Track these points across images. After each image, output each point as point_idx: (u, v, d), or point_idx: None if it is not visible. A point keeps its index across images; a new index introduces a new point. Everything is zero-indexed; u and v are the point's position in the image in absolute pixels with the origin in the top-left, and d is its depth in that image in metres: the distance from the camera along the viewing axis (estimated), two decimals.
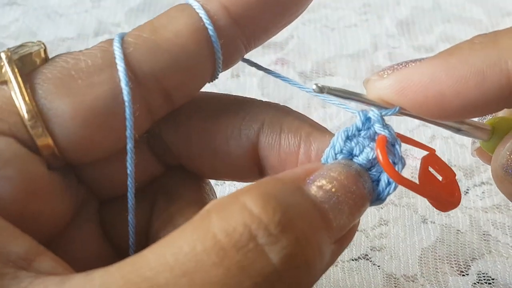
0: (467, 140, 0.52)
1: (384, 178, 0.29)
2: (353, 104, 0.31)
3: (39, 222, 0.28)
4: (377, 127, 0.29)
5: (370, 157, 0.29)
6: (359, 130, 0.30)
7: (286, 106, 0.33)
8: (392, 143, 0.30)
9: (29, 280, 0.24)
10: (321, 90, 0.28)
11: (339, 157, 0.30)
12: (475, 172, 0.50)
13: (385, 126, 0.30)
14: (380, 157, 0.29)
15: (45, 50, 0.30)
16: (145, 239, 0.33)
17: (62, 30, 0.65)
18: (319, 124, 0.32)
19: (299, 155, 0.31)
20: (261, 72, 0.36)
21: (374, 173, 0.30)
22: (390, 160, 0.29)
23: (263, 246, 0.23)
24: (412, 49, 0.62)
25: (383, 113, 0.30)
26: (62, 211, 0.30)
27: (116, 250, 0.33)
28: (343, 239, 0.27)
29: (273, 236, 0.23)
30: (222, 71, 0.32)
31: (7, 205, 0.27)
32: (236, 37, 0.31)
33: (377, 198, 0.29)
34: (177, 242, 0.23)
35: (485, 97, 0.28)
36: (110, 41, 0.30)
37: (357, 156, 0.30)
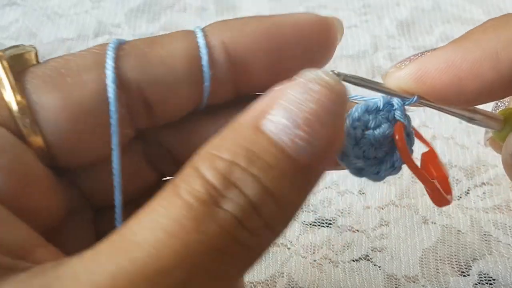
0: (467, 141, 0.52)
1: (388, 160, 0.31)
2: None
3: (31, 217, 0.28)
4: (397, 114, 0.30)
5: (387, 133, 0.30)
6: (378, 110, 0.30)
7: None
8: (407, 133, 0.31)
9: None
10: (338, 77, 0.27)
11: (356, 123, 0.30)
12: (475, 173, 0.50)
13: (406, 115, 0.30)
14: (399, 142, 0.29)
15: (36, 54, 0.30)
16: None
17: (62, 31, 0.65)
18: None
19: None
20: None
21: (381, 152, 0.31)
22: None
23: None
24: (413, 50, 0.62)
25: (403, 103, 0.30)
26: (54, 209, 0.30)
27: None
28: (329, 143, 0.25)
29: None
30: (212, 103, 0.32)
31: (0, 196, 0.27)
32: (228, 76, 0.31)
33: (377, 175, 0.31)
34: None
35: (501, 78, 0.28)
36: (104, 45, 0.30)
37: (373, 130, 0.30)
